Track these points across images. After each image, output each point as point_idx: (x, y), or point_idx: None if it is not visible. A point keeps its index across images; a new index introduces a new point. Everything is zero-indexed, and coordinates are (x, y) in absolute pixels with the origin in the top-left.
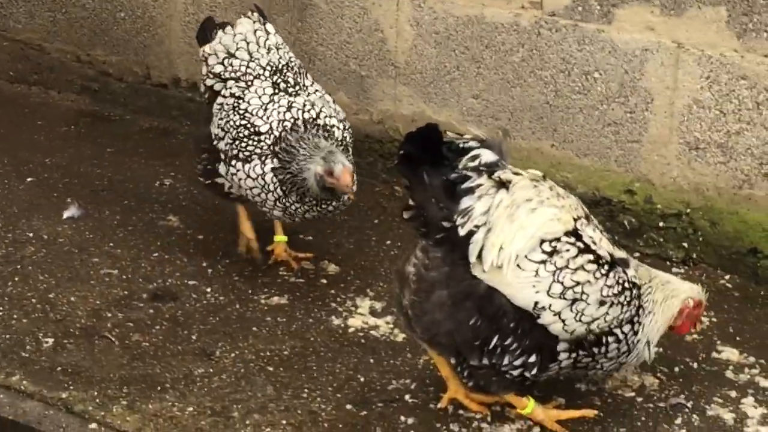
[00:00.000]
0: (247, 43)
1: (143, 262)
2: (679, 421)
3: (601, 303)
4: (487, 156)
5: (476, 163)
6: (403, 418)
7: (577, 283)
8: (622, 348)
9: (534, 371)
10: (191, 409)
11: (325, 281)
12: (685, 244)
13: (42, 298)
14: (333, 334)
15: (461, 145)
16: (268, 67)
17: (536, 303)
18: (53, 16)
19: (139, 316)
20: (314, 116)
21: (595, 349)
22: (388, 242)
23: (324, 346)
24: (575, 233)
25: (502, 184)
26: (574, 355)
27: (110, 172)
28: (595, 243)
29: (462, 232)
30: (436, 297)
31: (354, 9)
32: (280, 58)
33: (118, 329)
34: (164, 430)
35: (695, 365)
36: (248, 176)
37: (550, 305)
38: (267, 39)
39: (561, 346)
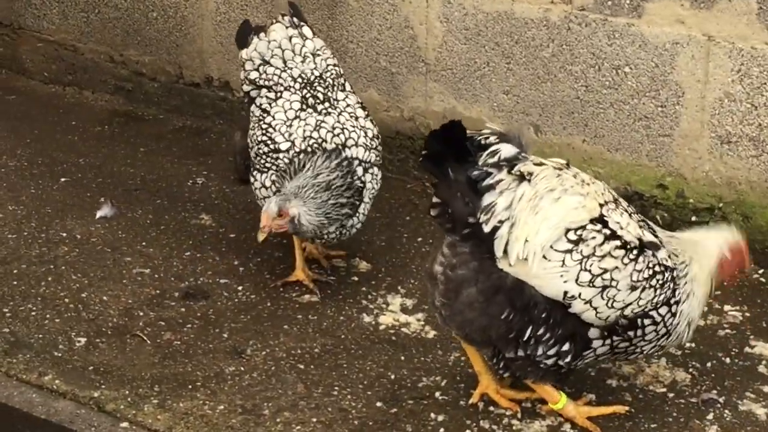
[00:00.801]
0: (282, 51)
1: (175, 260)
2: (710, 416)
3: (633, 288)
4: (507, 150)
5: (496, 158)
6: (433, 415)
7: (605, 270)
8: (660, 331)
9: (568, 359)
10: (222, 407)
11: (356, 278)
12: None
13: (75, 298)
14: (364, 332)
15: (481, 141)
16: (300, 79)
17: (565, 293)
18: (86, 16)
19: (171, 315)
20: (342, 142)
21: (631, 333)
22: (420, 239)
23: (355, 344)
24: (601, 220)
25: (524, 177)
26: (608, 341)
27: (143, 172)
28: (622, 228)
29: (486, 229)
30: (465, 296)
31: (384, 6)
32: (315, 68)
33: (150, 328)
34: (195, 428)
35: (728, 360)
36: (263, 186)
37: (580, 294)
38: (303, 45)
39: (593, 333)
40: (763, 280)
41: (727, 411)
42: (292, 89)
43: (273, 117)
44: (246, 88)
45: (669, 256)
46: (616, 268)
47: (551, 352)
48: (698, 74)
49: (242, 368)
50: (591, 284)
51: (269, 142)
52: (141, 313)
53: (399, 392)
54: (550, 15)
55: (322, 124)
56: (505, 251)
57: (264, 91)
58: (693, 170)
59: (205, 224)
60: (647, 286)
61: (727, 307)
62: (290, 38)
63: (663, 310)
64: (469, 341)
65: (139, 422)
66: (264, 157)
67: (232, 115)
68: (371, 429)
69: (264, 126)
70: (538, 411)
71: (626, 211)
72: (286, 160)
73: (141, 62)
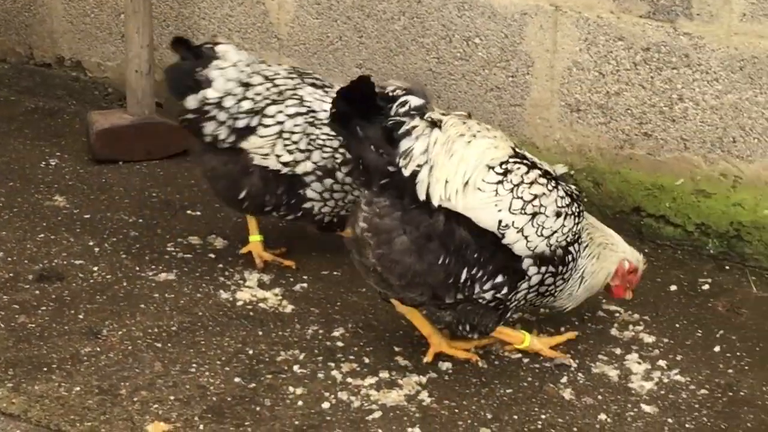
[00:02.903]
0: (250, 65)
1: (29, 243)
2: (564, 380)
3: (558, 214)
4: (415, 100)
5: (406, 108)
6: (291, 388)
7: (535, 196)
8: (575, 272)
9: (505, 290)
10: (78, 388)
11: (213, 256)
12: None
13: None
14: (221, 308)
15: (389, 94)
16: (293, 75)
17: (500, 221)
18: None
19: (25, 298)
20: None
21: (561, 267)
22: None
23: (212, 321)
24: (517, 155)
25: (435, 124)
26: (543, 269)
27: None
28: (538, 162)
29: (406, 172)
30: (399, 243)
31: None
32: (281, 66)
33: (3, 311)
34: (51, 410)
35: (581, 324)
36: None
37: (513, 222)
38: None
39: (526, 262)
40: None
41: (580, 374)
42: (300, 86)
43: (324, 110)
44: (241, 123)
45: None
46: (543, 194)
47: (487, 286)
48: (547, 44)
49: (98, 349)
50: (523, 211)
51: None
52: None
53: (257, 367)
54: None
55: None
56: (427, 195)
57: (273, 108)
58: (544, 139)
59: (59, 206)
60: (568, 213)
61: None
62: (239, 52)
63: (576, 246)
64: (412, 288)
65: None
66: None
67: (85, 96)
68: (229, 405)
69: (324, 121)
70: (396, 380)
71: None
72: None
73: None
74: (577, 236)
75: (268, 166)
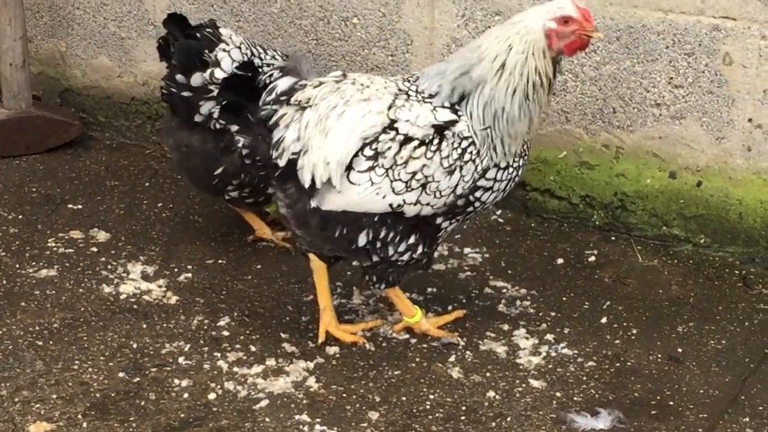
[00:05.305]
0: (248, 48)
1: None
2: (453, 358)
3: (450, 173)
4: (282, 84)
5: (273, 95)
6: (177, 381)
7: (415, 172)
8: (499, 186)
9: (420, 250)
10: None
11: (95, 249)
12: None
13: None
14: (104, 303)
15: (266, 81)
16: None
17: (391, 204)
18: None
19: None
20: None
21: (470, 209)
22: (160, 205)
23: (95, 316)
24: (392, 126)
25: (305, 106)
26: (454, 221)
27: None
28: (413, 125)
29: (281, 163)
30: (314, 225)
31: None
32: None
33: None
34: None
35: (468, 302)
36: None
37: (405, 200)
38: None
39: (438, 220)
40: (501, 220)
41: (468, 352)
42: None
43: None
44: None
45: (468, 127)
46: (424, 165)
47: (402, 248)
48: (425, 21)
49: None
50: (409, 188)
51: None
52: None
53: (141, 361)
54: None
55: None
56: (313, 180)
57: None
58: None
59: None
60: (462, 164)
61: (467, 250)
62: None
63: (490, 174)
64: (332, 251)
65: None
66: None
67: None
68: (113, 400)
69: None
70: (283, 367)
71: (415, 95)
72: None
73: None
74: (487, 168)
75: None
